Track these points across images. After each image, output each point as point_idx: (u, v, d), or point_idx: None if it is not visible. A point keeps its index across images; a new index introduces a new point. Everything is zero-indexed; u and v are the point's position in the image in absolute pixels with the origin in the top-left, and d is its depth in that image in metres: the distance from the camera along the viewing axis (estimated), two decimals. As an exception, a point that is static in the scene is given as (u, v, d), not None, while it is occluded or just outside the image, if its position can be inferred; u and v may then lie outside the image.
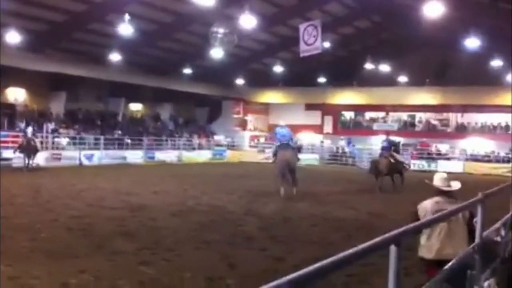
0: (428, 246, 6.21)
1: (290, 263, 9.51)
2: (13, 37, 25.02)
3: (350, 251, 2.84)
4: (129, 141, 34.41)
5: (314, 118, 45.61)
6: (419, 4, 23.44)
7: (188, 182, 22.86)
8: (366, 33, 39.33)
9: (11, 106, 28.82)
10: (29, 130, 23.34)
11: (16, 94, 29.55)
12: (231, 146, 42.97)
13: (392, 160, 21.54)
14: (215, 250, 10.55)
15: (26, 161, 23.18)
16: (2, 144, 23.33)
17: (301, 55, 24.01)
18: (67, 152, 27.34)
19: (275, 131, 19.40)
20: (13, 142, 23.64)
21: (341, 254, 2.78)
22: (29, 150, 22.99)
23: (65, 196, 16.60)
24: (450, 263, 4.95)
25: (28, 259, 9.81)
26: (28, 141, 23.04)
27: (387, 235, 3.29)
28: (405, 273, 6.59)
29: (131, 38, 27.30)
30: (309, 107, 45.77)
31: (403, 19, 32.77)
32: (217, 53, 30.66)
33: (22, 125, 24.72)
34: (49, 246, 10.65)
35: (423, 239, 6.29)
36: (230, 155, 41.05)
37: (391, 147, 22.25)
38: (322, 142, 44.43)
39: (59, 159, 24.90)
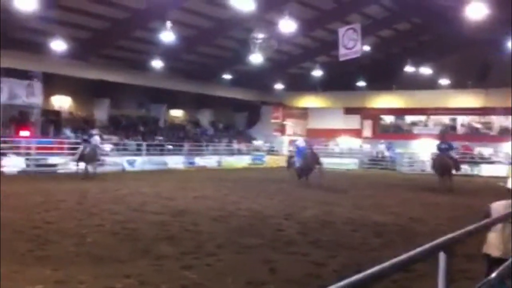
0: (497, 244, 6.32)
1: (331, 268, 9.49)
2: (58, 45, 25.72)
3: (398, 258, 2.81)
4: (170, 146, 34.88)
5: (353, 122, 45.23)
6: (460, 5, 23.04)
7: (228, 187, 23.02)
8: (406, 36, 38.85)
9: (57, 113, 29.61)
10: (97, 139, 23.31)
11: (61, 102, 30.34)
12: (270, 151, 43.03)
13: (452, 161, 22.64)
14: (256, 254, 10.62)
15: (87, 169, 23.29)
16: (48, 151, 23.76)
17: (340, 59, 23.92)
18: (110, 158, 27.93)
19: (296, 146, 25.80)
20: (58, 148, 24.09)
21: (389, 262, 2.75)
22: (91, 159, 23.29)
23: (109, 201, 16.94)
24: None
25: (74, 264, 10.06)
26: (93, 149, 23.19)
27: (436, 241, 3.24)
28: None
29: (172, 45, 27.71)
30: (348, 111, 45.41)
31: (443, 20, 32.26)
32: (256, 58, 30.79)
33: (68, 132, 25.29)
34: (94, 251, 10.91)
35: (492, 237, 6.40)
36: (269, 160, 41.08)
37: (449, 150, 23.02)
38: (361, 146, 44.04)
39: (103, 165, 25.44)
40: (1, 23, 21.59)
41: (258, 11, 24.70)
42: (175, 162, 33.45)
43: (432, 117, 44.23)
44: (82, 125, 28.49)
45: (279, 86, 43.69)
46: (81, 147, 22.99)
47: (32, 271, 9.61)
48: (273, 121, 45.71)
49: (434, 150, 25.26)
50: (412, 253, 2.93)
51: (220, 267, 9.83)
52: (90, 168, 23.17)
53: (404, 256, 2.86)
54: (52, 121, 27.08)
